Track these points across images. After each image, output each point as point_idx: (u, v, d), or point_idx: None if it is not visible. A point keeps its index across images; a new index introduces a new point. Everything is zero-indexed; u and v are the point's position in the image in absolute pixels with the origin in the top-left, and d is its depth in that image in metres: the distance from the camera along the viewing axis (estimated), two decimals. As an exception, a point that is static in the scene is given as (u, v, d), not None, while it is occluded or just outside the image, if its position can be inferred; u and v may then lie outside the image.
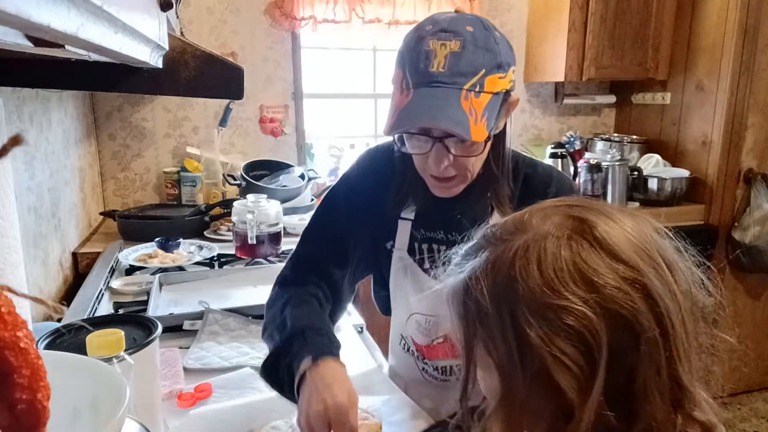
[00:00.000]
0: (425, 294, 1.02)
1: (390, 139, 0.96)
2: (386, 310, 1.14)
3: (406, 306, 1.08)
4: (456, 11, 0.88)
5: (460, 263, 0.54)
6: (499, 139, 0.93)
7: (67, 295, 1.67)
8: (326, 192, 1.10)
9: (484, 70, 0.81)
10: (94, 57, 0.73)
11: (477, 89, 0.81)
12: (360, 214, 1.03)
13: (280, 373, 0.90)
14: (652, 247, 0.49)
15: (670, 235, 0.53)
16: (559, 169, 2.52)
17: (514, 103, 0.91)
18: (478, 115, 0.81)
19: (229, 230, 2.07)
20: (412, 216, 1.03)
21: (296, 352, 0.87)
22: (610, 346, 0.45)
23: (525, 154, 1.03)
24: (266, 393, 1.05)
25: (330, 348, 0.88)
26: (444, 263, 0.57)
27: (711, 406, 0.51)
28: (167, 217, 2.13)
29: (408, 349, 1.12)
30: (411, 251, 1.04)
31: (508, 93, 0.88)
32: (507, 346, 0.47)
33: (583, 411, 0.45)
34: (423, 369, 1.09)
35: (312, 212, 1.09)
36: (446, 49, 0.80)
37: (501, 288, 0.48)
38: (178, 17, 1.93)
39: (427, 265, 1.03)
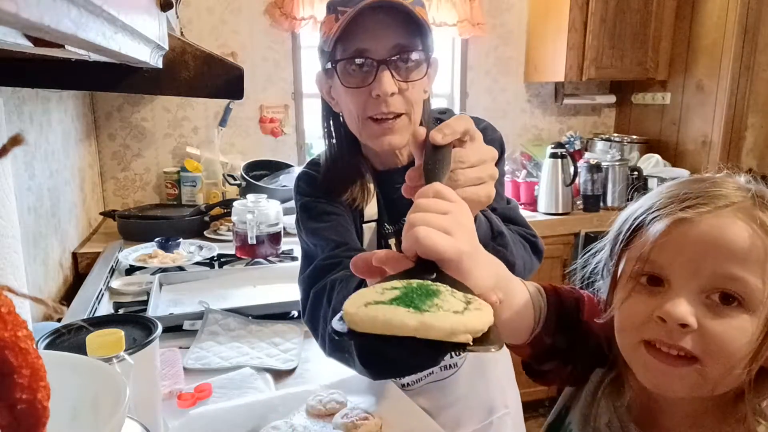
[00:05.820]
0: None
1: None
2: None
3: None
4: None
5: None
6: (425, 103, 0.94)
7: (67, 295, 1.67)
8: (297, 221, 1.02)
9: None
10: (94, 57, 0.73)
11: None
12: (334, 206, 0.99)
13: None
14: None
15: None
16: (559, 169, 2.53)
17: (436, 62, 0.93)
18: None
19: (229, 230, 2.07)
20: (374, 217, 1.01)
21: None
22: None
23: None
24: (266, 393, 1.05)
25: None
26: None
27: None
28: (167, 217, 2.13)
29: None
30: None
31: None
32: None
33: None
34: None
35: (300, 248, 1.01)
36: None
37: None
38: (178, 17, 1.93)
39: None
